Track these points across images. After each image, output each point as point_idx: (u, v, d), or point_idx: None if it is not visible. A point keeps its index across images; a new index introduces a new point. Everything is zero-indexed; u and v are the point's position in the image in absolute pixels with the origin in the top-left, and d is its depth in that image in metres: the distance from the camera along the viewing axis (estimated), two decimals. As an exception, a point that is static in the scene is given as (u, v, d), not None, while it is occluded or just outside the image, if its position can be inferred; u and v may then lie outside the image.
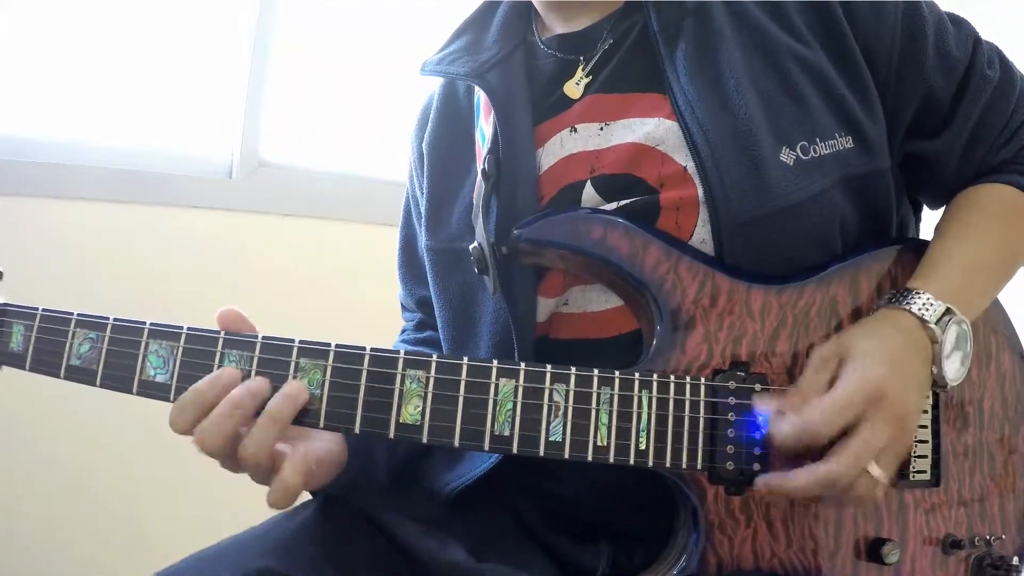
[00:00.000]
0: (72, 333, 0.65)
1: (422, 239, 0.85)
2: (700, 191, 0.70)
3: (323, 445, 0.70)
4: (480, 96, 0.82)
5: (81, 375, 0.65)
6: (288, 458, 0.63)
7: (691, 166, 0.70)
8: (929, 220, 0.82)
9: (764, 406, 0.65)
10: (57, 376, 0.65)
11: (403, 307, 0.98)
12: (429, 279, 0.84)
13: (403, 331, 0.97)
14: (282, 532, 0.73)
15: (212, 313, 0.66)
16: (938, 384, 0.68)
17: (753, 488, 0.65)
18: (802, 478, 0.62)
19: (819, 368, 0.66)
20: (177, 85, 1.69)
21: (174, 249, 1.62)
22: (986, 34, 0.81)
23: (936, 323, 0.67)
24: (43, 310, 0.66)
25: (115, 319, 0.65)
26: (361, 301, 1.57)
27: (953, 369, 0.68)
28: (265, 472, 0.63)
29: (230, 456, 0.62)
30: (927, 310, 0.67)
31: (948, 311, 0.68)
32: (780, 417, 0.63)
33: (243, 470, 0.64)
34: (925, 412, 0.72)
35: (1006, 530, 0.74)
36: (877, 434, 0.62)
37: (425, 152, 0.87)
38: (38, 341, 0.65)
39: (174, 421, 0.62)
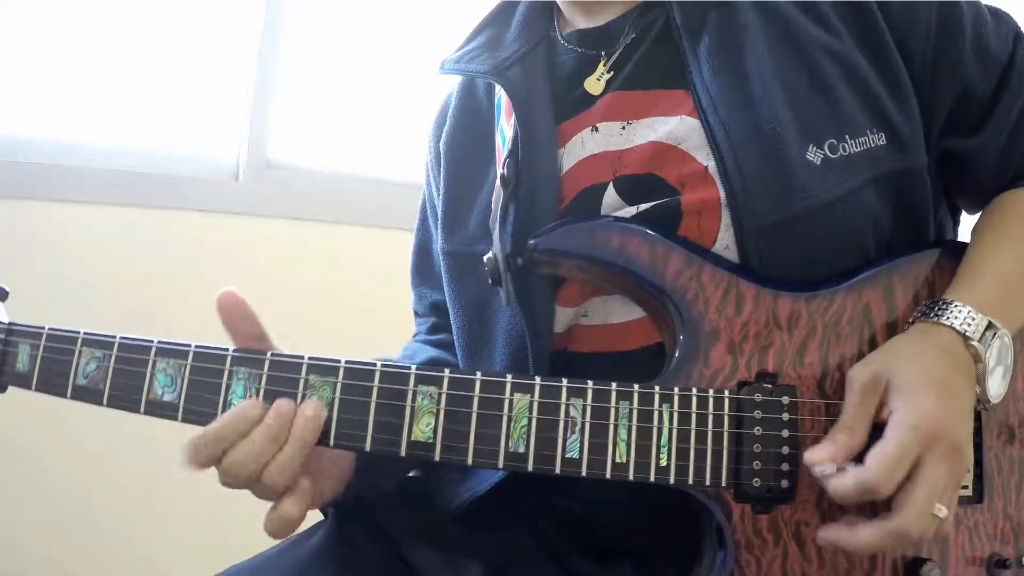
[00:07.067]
0: (79, 352, 0.66)
1: (438, 242, 0.87)
2: (721, 192, 0.70)
3: (331, 460, 0.71)
4: (501, 97, 0.82)
5: (88, 395, 0.66)
6: (291, 491, 0.64)
7: (712, 166, 0.71)
8: (967, 225, 0.81)
9: (816, 458, 0.63)
10: (64, 396, 0.66)
11: (415, 313, 0.99)
12: (444, 284, 0.85)
13: (416, 334, 0.98)
14: (296, 555, 0.75)
15: (217, 319, 0.67)
16: (981, 403, 0.68)
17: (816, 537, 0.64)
18: (869, 535, 0.61)
19: (863, 398, 0.65)
20: (181, 83, 1.70)
21: (178, 253, 1.64)
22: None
23: (979, 340, 0.66)
24: (49, 329, 0.67)
25: (122, 337, 0.66)
26: (372, 307, 1.58)
27: (995, 386, 0.68)
28: (279, 495, 0.64)
29: (255, 482, 0.64)
30: (969, 325, 0.67)
31: (990, 325, 0.67)
32: (837, 470, 0.62)
33: (257, 492, 0.65)
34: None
35: (1055, 549, 0.74)
36: (939, 476, 0.61)
37: (442, 152, 0.88)
38: (44, 361, 0.67)
39: (197, 454, 0.63)
